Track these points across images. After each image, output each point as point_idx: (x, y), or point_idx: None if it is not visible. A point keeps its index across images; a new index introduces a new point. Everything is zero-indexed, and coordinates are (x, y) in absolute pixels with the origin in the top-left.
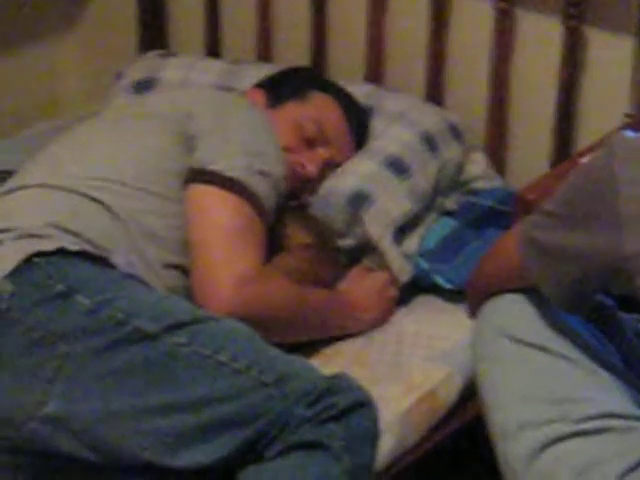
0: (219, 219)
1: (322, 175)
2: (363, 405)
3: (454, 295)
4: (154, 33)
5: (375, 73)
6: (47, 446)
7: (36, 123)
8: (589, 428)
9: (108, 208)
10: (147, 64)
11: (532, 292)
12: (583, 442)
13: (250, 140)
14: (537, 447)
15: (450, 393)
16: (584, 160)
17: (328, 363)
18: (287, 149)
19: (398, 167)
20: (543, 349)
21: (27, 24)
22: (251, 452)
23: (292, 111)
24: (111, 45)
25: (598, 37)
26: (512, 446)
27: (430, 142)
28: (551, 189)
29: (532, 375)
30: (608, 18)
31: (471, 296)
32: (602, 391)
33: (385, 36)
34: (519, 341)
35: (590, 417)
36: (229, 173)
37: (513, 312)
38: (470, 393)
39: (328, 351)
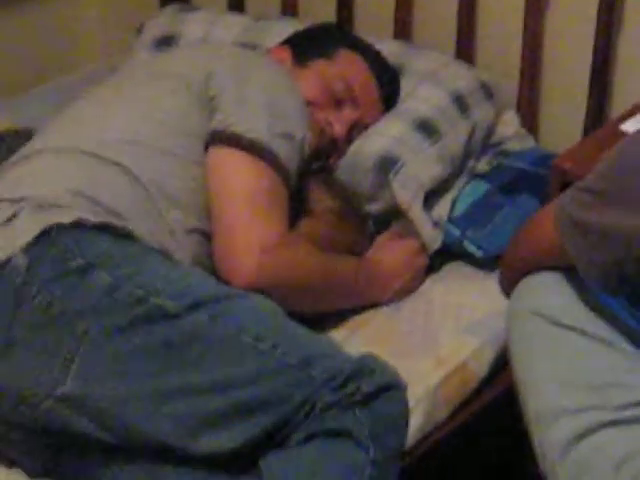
0: (240, 183)
1: (349, 136)
2: (391, 388)
3: (485, 262)
4: None
5: (404, 29)
6: (63, 426)
7: (57, 76)
8: (629, 416)
9: (128, 172)
10: (168, 18)
11: (569, 271)
12: (622, 431)
13: (273, 101)
14: (574, 436)
15: (481, 366)
16: (624, 126)
17: (355, 335)
18: (315, 105)
19: (428, 129)
20: (581, 332)
21: None
22: (275, 438)
23: (320, 70)
24: None
25: None
26: (548, 433)
27: (461, 102)
28: (589, 157)
29: (569, 359)
30: None
31: (505, 273)
32: None
33: None
34: (556, 323)
35: (630, 404)
36: (250, 135)
37: (550, 292)
38: (501, 365)
39: (355, 322)
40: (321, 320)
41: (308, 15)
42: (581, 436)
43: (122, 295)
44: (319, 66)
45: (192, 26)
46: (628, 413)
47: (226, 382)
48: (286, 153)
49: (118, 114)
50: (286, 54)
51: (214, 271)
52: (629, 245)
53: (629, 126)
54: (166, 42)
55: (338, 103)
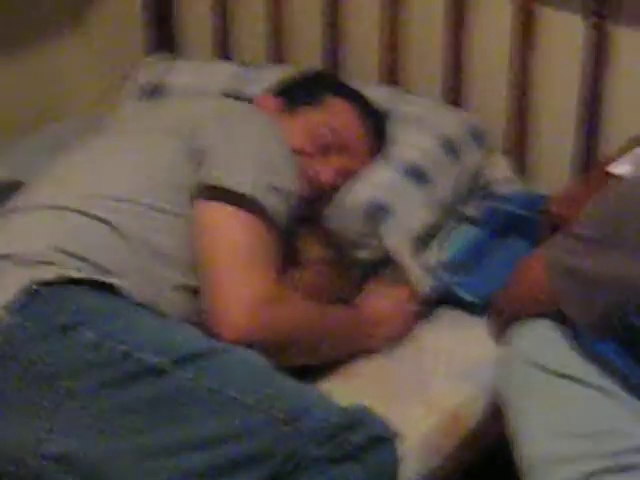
0: (229, 237)
1: (337, 184)
2: (381, 439)
3: (476, 307)
4: (162, 33)
5: (391, 75)
6: None
7: (43, 126)
8: (625, 463)
9: (115, 229)
10: (155, 67)
11: (561, 318)
12: (619, 478)
13: (260, 153)
14: None
15: (474, 413)
16: (612, 168)
17: (347, 382)
18: (302, 153)
19: (417, 175)
20: (574, 379)
21: (33, 25)
22: None
23: (307, 117)
24: (119, 46)
25: (623, 36)
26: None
27: (450, 147)
28: (578, 200)
29: (563, 407)
30: (633, 16)
31: (496, 318)
32: (638, 423)
33: (400, 37)
34: (549, 370)
35: (627, 450)
36: (238, 189)
37: (542, 339)
38: (495, 413)
39: (346, 370)
40: (310, 369)
41: (294, 62)
42: None
43: (106, 352)
44: (306, 114)
45: (179, 75)
46: (624, 460)
47: (213, 438)
48: (275, 205)
49: (105, 170)
50: (272, 102)
51: (202, 326)
52: (621, 288)
53: (617, 168)
54: (153, 91)
55: (326, 150)
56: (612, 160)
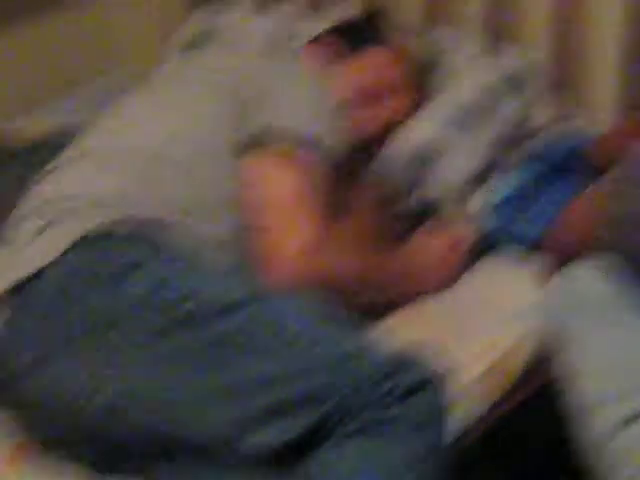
0: (277, 186)
1: (386, 133)
2: (429, 383)
3: (523, 253)
4: None
5: (435, 15)
6: (106, 432)
7: (91, 80)
8: None
9: (179, 172)
10: (200, 20)
11: (611, 258)
12: None
13: (303, 104)
14: (621, 421)
15: (521, 357)
16: None
17: (395, 329)
18: (352, 102)
19: (462, 123)
20: (624, 321)
21: None
22: (315, 436)
23: (356, 66)
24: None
25: None
26: (594, 419)
27: (494, 94)
28: (621, 146)
29: (615, 347)
30: None
31: (549, 260)
32: None
33: None
34: (602, 310)
35: None
36: (284, 141)
37: (593, 280)
38: (541, 358)
39: (395, 316)
40: (361, 315)
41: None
42: (628, 421)
43: (158, 300)
44: (355, 62)
45: (225, 26)
46: None
47: (268, 380)
48: (323, 151)
49: (158, 120)
50: (318, 50)
51: (254, 273)
52: None
53: None
54: (199, 44)
55: (375, 99)
56: None
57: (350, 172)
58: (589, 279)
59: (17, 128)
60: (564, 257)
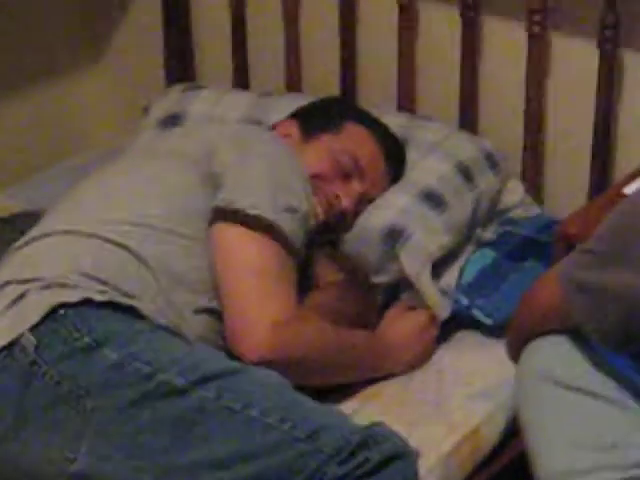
0: (247, 260)
1: (357, 209)
2: (400, 457)
3: (494, 330)
4: (182, 65)
5: (407, 100)
6: None
7: (66, 159)
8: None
9: (136, 254)
10: (174, 98)
11: (575, 333)
12: None
13: (275, 175)
14: None
15: (493, 431)
16: (627, 190)
17: (367, 405)
18: (322, 179)
19: (433, 200)
20: (589, 393)
21: (54, 59)
22: None
23: (326, 143)
24: (138, 78)
25: (635, 60)
26: None
27: (466, 173)
28: (593, 221)
29: (578, 421)
30: None
31: (512, 338)
32: None
33: (416, 65)
34: (564, 385)
35: None
36: (254, 211)
37: (557, 355)
38: (514, 430)
39: (367, 392)
40: (331, 392)
41: (312, 90)
42: None
43: (129, 372)
44: (326, 140)
45: (198, 105)
46: (639, 472)
47: (234, 457)
48: (291, 227)
49: (123, 195)
50: (292, 128)
51: (223, 348)
52: (632, 301)
53: (632, 189)
54: (172, 121)
55: (345, 176)
56: (627, 182)
57: (323, 246)
58: (553, 353)
59: None
60: (529, 333)
